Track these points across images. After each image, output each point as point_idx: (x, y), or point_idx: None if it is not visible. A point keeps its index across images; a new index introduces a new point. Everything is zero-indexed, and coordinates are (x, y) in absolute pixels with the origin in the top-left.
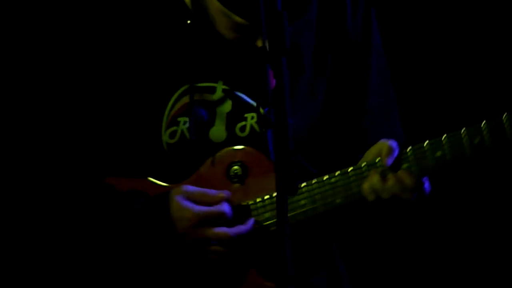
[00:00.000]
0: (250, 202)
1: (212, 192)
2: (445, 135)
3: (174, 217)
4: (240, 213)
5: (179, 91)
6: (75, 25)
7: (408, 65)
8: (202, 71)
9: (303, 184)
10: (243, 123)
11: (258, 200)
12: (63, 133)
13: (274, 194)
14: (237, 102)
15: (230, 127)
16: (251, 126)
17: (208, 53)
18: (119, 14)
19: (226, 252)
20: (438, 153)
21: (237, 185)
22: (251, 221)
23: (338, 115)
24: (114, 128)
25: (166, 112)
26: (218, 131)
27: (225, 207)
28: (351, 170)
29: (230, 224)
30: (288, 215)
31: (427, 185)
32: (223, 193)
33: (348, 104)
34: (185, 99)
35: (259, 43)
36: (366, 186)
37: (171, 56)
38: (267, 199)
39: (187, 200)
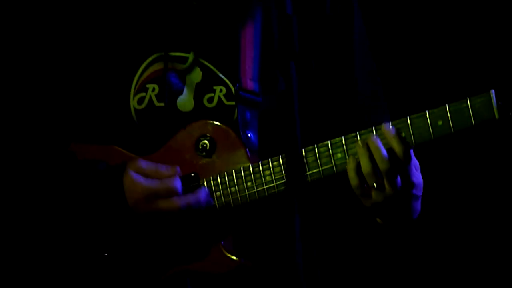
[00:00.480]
0: (215, 177)
1: (164, 168)
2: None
3: (126, 190)
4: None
5: (150, 58)
6: None
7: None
8: (174, 40)
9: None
10: (211, 94)
11: (222, 175)
12: (27, 95)
13: (240, 167)
14: (207, 73)
15: (198, 97)
16: (219, 98)
17: (182, 22)
18: None
19: (178, 223)
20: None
21: (204, 159)
22: (201, 191)
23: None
24: (83, 91)
25: (136, 78)
26: (186, 100)
27: (175, 183)
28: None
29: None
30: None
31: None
32: (175, 169)
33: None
34: (155, 67)
35: None
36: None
37: (144, 23)
38: (230, 175)
39: (140, 175)
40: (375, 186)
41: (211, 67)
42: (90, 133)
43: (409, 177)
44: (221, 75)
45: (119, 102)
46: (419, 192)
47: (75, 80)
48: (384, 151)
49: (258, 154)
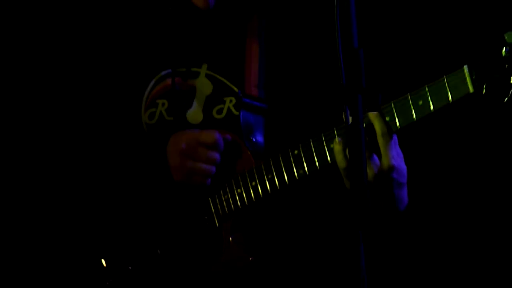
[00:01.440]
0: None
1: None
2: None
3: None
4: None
5: (159, 75)
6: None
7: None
8: (185, 55)
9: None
10: (221, 105)
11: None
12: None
13: (244, 170)
14: (218, 85)
15: (207, 109)
16: (228, 108)
17: (192, 37)
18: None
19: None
20: (387, 118)
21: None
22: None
23: None
24: (95, 110)
25: (146, 94)
26: (195, 113)
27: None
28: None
29: None
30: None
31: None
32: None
33: None
34: (165, 82)
35: None
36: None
37: (155, 40)
38: (236, 178)
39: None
40: None
41: (221, 78)
42: (104, 150)
43: (388, 159)
44: (231, 86)
45: (132, 118)
46: (401, 178)
47: (87, 100)
48: None
49: (264, 157)
